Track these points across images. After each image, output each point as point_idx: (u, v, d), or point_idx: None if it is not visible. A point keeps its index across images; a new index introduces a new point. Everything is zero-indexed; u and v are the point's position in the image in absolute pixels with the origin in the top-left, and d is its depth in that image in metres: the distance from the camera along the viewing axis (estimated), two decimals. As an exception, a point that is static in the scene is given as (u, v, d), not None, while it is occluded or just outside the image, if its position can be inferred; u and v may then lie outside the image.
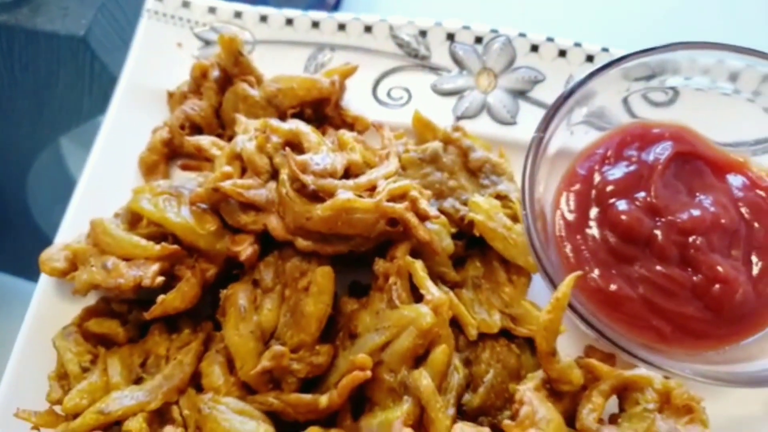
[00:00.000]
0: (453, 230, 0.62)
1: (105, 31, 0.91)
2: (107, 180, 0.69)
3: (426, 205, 0.58)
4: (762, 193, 0.62)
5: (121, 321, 0.60)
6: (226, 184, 0.57)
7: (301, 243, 0.58)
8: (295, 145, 0.60)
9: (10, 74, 1.01)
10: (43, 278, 0.63)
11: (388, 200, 0.57)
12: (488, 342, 0.59)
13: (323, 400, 0.53)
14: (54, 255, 0.61)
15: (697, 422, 0.48)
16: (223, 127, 0.69)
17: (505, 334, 0.60)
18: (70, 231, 0.65)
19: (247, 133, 0.61)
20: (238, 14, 0.75)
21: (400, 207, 0.57)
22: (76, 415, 0.54)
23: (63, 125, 1.13)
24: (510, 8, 0.99)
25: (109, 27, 0.91)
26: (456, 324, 0.59)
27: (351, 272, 0.63)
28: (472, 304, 0.60)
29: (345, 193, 0.56)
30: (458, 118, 0.70)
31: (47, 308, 0.63)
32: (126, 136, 0.70)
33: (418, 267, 0.56)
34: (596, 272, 0.59)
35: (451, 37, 0.71)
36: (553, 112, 0.59)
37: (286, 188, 0.57)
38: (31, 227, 1.31)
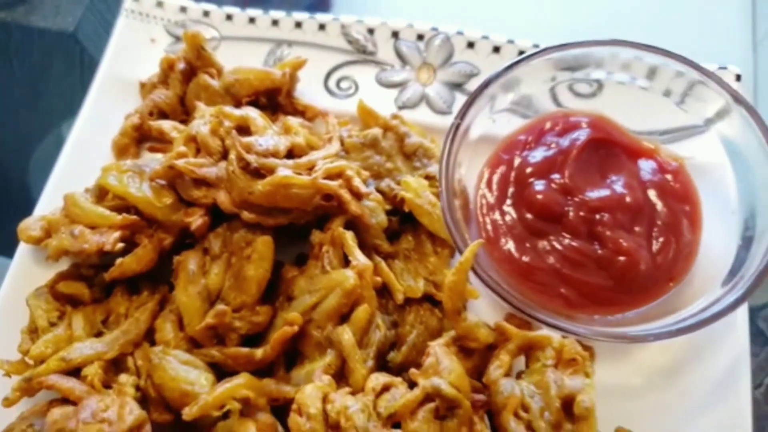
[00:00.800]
0: (388, 207, 0.68)
1: (93, 27, 0.99)
2: (83, 161, 0.75)
3: (359, 183, 0.64)
4: (668, 176, 0.67)
5: (88, 284, 0.66)
6: (180, 162, 0.64)
7: (246, 215, 0.64)
8: (244, 129, 0.67)
9: (9, 67, 1.08)
10: (21, 246, 0.69)
11: (325, 178, 0.64)
12: (414, 306, 0.65)
13: (258, 352, 0.60)
14: (31, 225, 0.68)
15: (581, 373, 0.53)
16: (187, 114, 0.75)
17: (429, 299, 0.66)
18: (48, 206, 0.72)
19: (204, 118, 0.68)
20: (206, 13, 0.81)
21: (334, 184, 0.63)
22: (42, 363, 0.61)
23: (59, 115, 1.21)
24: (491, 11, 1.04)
25: (97, 23, 0.99)
26: (387, 290, 0.66)
27: (298, 246, 0.69)
28: (402, 273, 0.66)
29: (284, 171, 0.62)
30: (400, 108, 0.75)
31: (24, 273, 0.69)
32: (102, 121, 0.77)
33: (348, 237, 0.62)
34: (512, 245, 0.65)
35: (395, 34, 0.78)
36: (471, 100, 0.65)
37: (233, 166, 0.63)
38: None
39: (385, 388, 0.55)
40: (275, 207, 0.63)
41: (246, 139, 0.64)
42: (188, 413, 0.53)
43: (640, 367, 0.64)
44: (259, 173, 0.63)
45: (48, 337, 0.61)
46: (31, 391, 0.59)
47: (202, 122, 0.67)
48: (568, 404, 0.52)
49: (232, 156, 0.63)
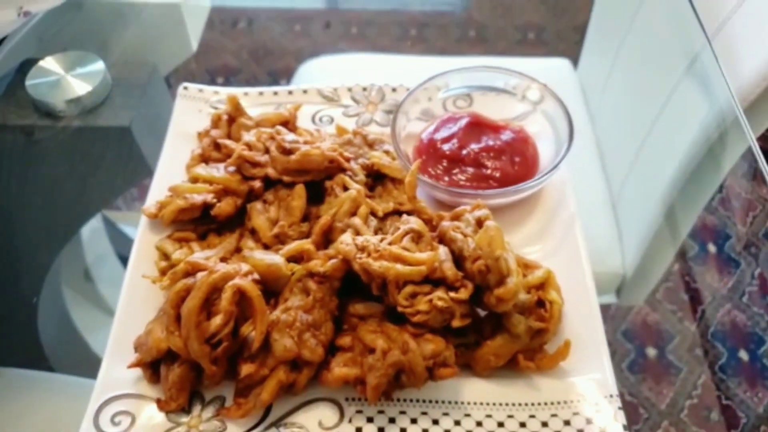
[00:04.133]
0: (364, 173, 1.18)
1: (139, 125, 1.48)
2: (167, 182, 1.21)
3: (346, 154, 1.15)
4: (515, 134, 1.22)
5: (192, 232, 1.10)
6: (245, 153, 1.12)
7: (286, 178, 1.11)
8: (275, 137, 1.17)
9: (71, 165, 1.53)
10: (143, 221, 1.13)
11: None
12: (388, 218, 1.12)
13: (309, 242, 1.05)
14: (149, 206, 1.12)
15: (483, 209, 1.02)
16: (232, 144, 1.24)
17: (398, 213, 1.14)
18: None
19: (250, 134, 1.17)
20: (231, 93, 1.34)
21: (333, 153, 1.13)
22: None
23: (98, 204, 1.64)
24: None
25: (142, 122, 1.48)
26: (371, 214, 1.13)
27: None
28: (379, 203, 1.15)
29: (305, 148, 1.12)
30: (359, 126, 1.29)
31: (146, 241, 1.12)
32: (175, 158, 1.24)
33: (346, 178, 1.11)
34: (437, 177, 1.16)
35: (350, 89, 1.33)
36: (394, 115, 1.20)
37: (275, 152, 1.12)
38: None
39: (383, 239, 1.01)
40: (302, 169, 1.11)
41: (281, 137, 1.14)
42: (286, 251, 0.97)
43: (520, 234, 1.14)
44: (290, 152, 1.12)
45: (180, 251, 1.04)
46: (175, 279, 0.99)
47: (249, 136, 1.17)
48: (479, 222, 1.00)
49: (273, 147, 1.13)
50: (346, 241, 0.97)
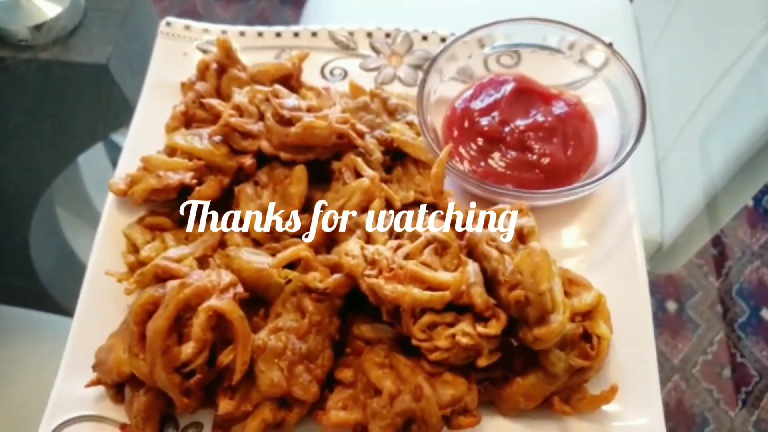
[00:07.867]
0: (381, 149, 1.00)
1: (119, 62, 1.28)
2: (142, 146, 1.03)
3: (360, 126, 0.96)
4: (571, 108, 1.02)
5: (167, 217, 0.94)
6: (233, 120, 0.94)
7: (283, 155, 0.94)
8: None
9: (41, 105, 1.35)
10: (110, 198, 0.97)
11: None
12: (408, 209, 0.95)
13: (308, 240, 0.89)
14: (118, 181, 0.96)
15: (525, 216, 0.84)
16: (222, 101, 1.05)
17: (418, 204, 0.96)
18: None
19: (241, 94, 0.98)
20: (224, 32, 1.13)
21: (344, 126, 0.94)
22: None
23: (78, 147, 1.47)
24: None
25: (123, 58, 1.29)
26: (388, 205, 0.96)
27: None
28: (397, 191, 0.97)
29: (308, 118, 0.93)
30: (379, 85, 1.09)
31: (113, 221, 0.96)
32: (153, 113, 1.06)
33: (359, 159, 0.93)
34: (470, 162, 0.98)
35: (370, 34, 1.12)
36: (425, 74, 0.99)
37: (270, 121, 0.94)
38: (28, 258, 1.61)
39: (399, 247, 0.85)
40: (304, 145, 0.93)
41: (278, 101, 0.95)
42: (277, 260, 0.81)
43: (567, 235, 0.97)
44: (290, 122, 0.93)
45: (150, 246, 0.88)
46: (142, 283, 0.85)
47: (241, 96, 0.98)
48: (520, 234, 0.83)
49: (269, 114, 0.94)
50: (352, 252, 0.81)
